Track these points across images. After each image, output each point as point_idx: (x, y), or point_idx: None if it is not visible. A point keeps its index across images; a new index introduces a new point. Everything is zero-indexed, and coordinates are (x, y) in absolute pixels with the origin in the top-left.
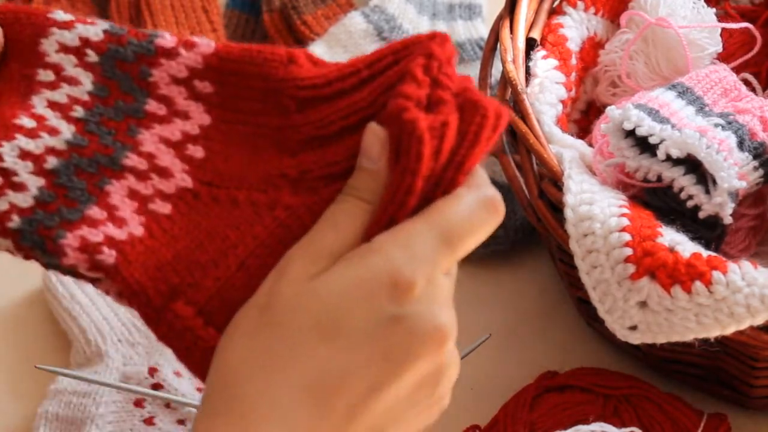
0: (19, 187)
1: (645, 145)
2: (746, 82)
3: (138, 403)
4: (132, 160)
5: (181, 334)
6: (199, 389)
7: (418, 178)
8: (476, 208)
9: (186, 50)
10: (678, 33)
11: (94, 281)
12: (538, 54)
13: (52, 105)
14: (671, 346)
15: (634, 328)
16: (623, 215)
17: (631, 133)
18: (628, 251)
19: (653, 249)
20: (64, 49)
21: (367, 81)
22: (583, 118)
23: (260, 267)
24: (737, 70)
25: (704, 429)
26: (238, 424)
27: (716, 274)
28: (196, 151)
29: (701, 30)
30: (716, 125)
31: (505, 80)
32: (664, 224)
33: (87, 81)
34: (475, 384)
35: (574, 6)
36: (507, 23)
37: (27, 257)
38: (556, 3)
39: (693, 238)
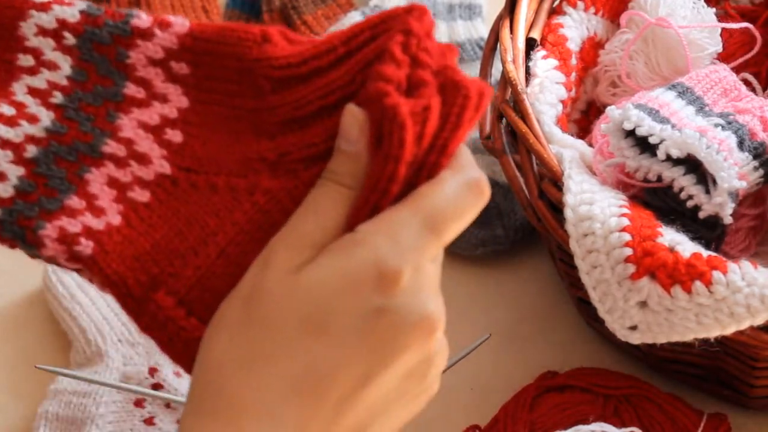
0: None
1: (645, 145)
2: (746, 82)
3: (138, 403)
4: (111, 146)
5: (164, 325)
6: None
7: (401, 164)
8: (461, 191)
9: (161, 30)
10: (678, 33)
11: (76, 271)
12: (538, 54)
13: (32, 91)
14: (671, 346)
15: (634, 328)
16: (623, 215)
17: (631, 133)
18: (628, 251)
19: (653, 249)
20: (43, 32)
21: (344, 58)
22: (583, 118)
23: (241, 254)
24: (737, 70)
25: (704, 429)
26: (225, 420)
27: (716, 274)
28: (175, 136)
29: (701, 30)
30: (716, 125)
31: (505, 80)
32: (664, 224)
33: (65, 65)
34: (475, 384)
35: (574, 6)
36: (507, 23)
37: (11, 247)
38: (556, 3)
39: (693, 238)
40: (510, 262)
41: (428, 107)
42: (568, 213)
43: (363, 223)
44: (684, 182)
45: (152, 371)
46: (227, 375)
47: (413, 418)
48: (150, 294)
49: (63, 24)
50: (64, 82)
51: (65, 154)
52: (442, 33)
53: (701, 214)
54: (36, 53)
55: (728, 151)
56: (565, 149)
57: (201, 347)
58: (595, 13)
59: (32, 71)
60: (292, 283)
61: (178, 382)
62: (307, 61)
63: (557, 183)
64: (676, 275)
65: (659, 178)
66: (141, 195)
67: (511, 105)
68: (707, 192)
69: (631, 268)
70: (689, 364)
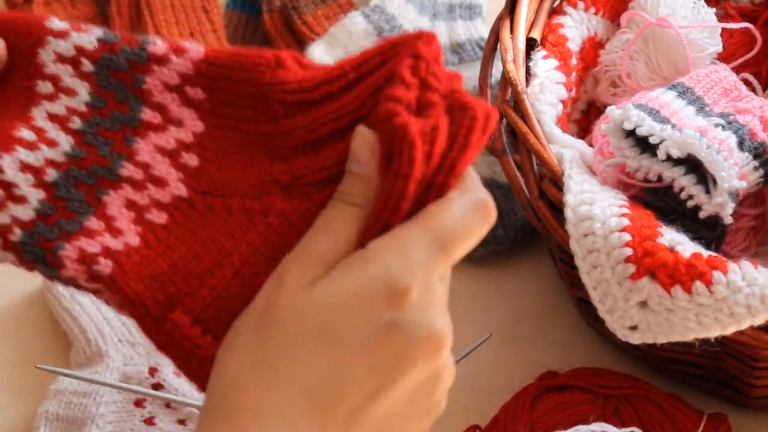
0: (20, 200)
1: (645, 145)
2: (746, 82)
3: (138, 403)
4: (128, 169)
5: (180, 343)
6: None
7: (410, 182)
8: (469, 211)
9: (176, 56)
10: (678, 33)
11: (94, 292)
12: (539, 54)
13: (52, 117)
14: (671, 346)
15: (634, 328)
16: (623, 215)
17: (631, 133)
18: (629, 251)
19: (653, 249)
20: (61, 59)
21: (355, 83)
22: (583, 118)
23: (255, 274)
24: (737, 70)
25: (704, 429)
26: (240, 431)
27: (716, 274)
28: (191, 159)
29: (701, 30)
30: (716, 125)
31: (506, 80)
32: (664, 224)
33: (83, 91)
34: (475, 384)
35: (575, 6)
36: (507, 23)
37: (30, 269)
38: (556, 3)
39: (693, 238)
40: (510, 262)
41: (437, 127)
42: (568, 213)
43: (374, 241)
44: (684, 182)
45: (152, 371)
46: (241, 387)
47: None
48: (167, 313)
49: (81, 51)
50: (83, 108)
51: (84, 178)
52: (442, 33)
53: (701, 214)
54: (54, 80)
55: (728, 151)
56: (565, 149)
57: (216, 362)
58: (596, 13)
59: (51, 97)
60: (304, 298)
61: (178, 382)
62: (320, 85)
63: (557, 183)
64: (676, 275)
65: (659, 178)
66: (158, 217)
67: (511, 105)
68: (707, 192)
69: (632, 268)
70: (689, 364)
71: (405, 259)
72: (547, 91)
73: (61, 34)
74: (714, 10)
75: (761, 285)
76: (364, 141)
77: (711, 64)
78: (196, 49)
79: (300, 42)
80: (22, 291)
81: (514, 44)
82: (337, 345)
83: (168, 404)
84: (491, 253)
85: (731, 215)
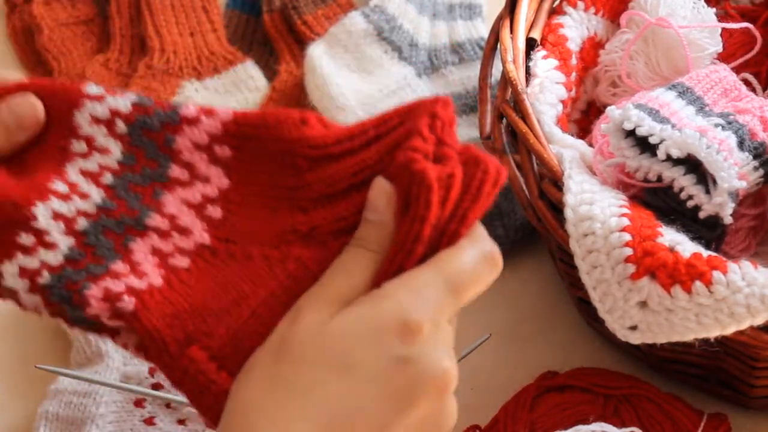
0: (51, 246)
1: (645, 145)
2: (746, 82)
3: (138, 403)
4: (155, 220)
5: (195, 378)
6: None
7: (426, 225)
8: (479, 260)
9: (207, 117)
10: (678, 33)
11: (113, 334)
12: (539, 54)
13: (84, 173)
14: (671, 346)
15: (634, 328)
16: (623, 215)
17: (631, 133)
18: (629, 251)
19: (653, 249)
20: (96, 120)
21: (374, 140)
22: (583, 118)
23: (271, 316)
24: (737, 70)
25: (704, 429)
26: None
27: (716, 274)
28: (215, 212)
29: (701, 30)
30: (716, 125)
31: (505, 80)
32: (664, 224)
33: (116, 150)
34: (475, 384)
35: (574, 6)
36: (507, 23)
37: (53, 314)
38: (556, 3)
39: (693, 238)
40: (510, 262)
41: (453, 175)
42: (568, 213)
43: (389, 281)
44: (684, 182)
45: (152, 371)
46: (255, 413)
47: None
48: (184, 350)
49: (116, 113)
50: (115, 166)
51: (113, 227)
52: (442, 33)
53: (701, 214)
54: (89, 140)
55: (728, 151)
56: (565, 149)
57: (231, 393)
58: (596, 13)
59: (85, 155)
60: (319, 332)
61: None
62: (342, 141)
63: (557, 183)
64: (676, 275)
65: (659, 178)
66: (181, 261)
67: (511, 105)
68: (707, 192)
69: (631, 268)
70: (689, 364)
71: (418, 297)
72: (546, 91)
73: (98, 98)
74: (714, 10)
75: (761, 285)
76: (381, 190)
77: (711, 64)
78: (225, 111)
79: (300, 42)
80: None
81: (514, 44)
82: (349, 376)
83: (168, 404)
84: None
85: (731, 215)
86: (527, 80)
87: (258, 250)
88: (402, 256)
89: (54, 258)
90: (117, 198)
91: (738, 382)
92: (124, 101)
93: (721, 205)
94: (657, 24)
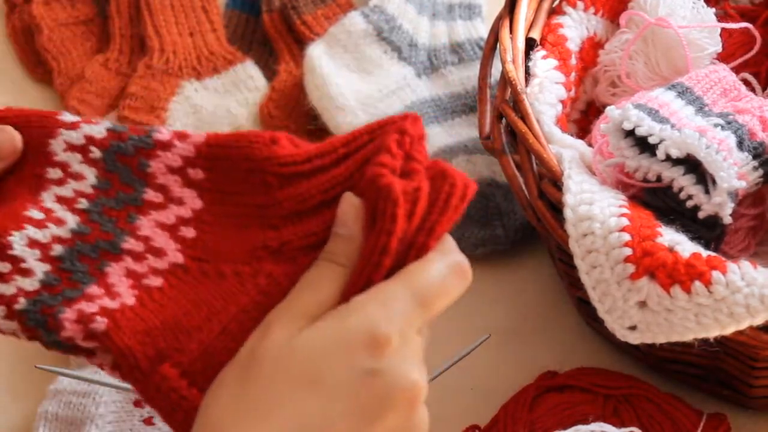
0: (27, 273)
1: (645, 145)
2: (746, 82)
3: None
4: (130, 243)
5: (167, 395)
6: None
7: (393, 238)
8: (447, 272)
9: (180, 141)
10: (678, 33)
11: (89, 355)
12: (538, 54)
13: (60, 199)
14: (671, 346)
15: (633, 328)
16: (623, 215)
17: (630, 133)
18: (628, 251)
19: (653, 249)
20: (71, 147)
21: (344, 158)
22: (582, 118)
23: (241, 331)
24: (737, 70)
25: (704, 429)
26: None
27: (716, 274)
28: (188, 232)
29: (701, 30)
30: (716, 125)
31: (505, 80)
32: (663, 224)
33: (91, 175)
34: (475, 384)
35: (574, 6)
36: (507, 23)
37: (30, 338)
38: (555, 3)
39: (692, 238)
40: (510, 262)
41: (419, 188)
42: (567, 213)
43: (357, 295)
44: (683, 182)
45: None
46: (224, 430)
47: None
48: (156, 368)
49: (90, 140)
50: (90, 191)
51: (88, 251)
52: (442, 33)
53: (701, 214)
54: (64, 166)
55: (728, 151)
56: (564, 149)
57: (200, 408)
58: (595, 13)
59: (60, 182)
60: (287, 347)
61: None
62: (312, 159)
63: (557, 183)
64: (675, 275)
65: (659, 178)
66: (154, 281)
67: (510, 105)
68: (707, 192)
69: (631, 268)
70: (689, 364)
71: (386, 311)
72: (546, 91)
73: (73, 126)
74: (713, 10)
75: (760, 285)
76: (350, 205)
77: (710, 64)
78: (198, 134)
79: (299, 42)
80: None
81: (513, 44)
82: (317, 390)
83: None
84: (491, 253)
85: (730, 215)
86: (527, 80)
87: (230, 267)
88: (370, 269)
89: (30, 284)
90: (91, 222)
91: (737, 382)
92: (98, 128)
93: (720, 205)
94: (656, 24)
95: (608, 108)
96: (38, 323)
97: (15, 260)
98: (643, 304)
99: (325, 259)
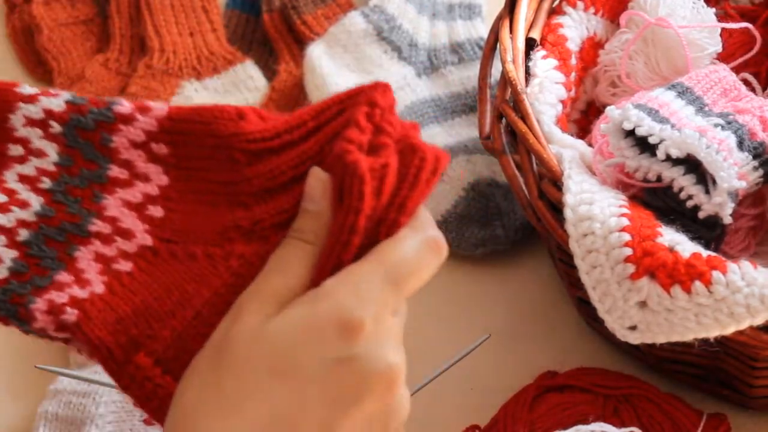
0: None
1: (645, 145)
2: (746, 82)
3: None
4: (97, 225)
5: (141, 384)
6: None
7: (360, 217)
8: (420, 248)
9: (142, 115)
10: (678, 33)
11: (66, 342)
12: (538, 54)
13: (22, 178)
14: (671, 346)
15: (633, 328)
16: (623, 215)
17: (630, 133)
18: (628, 251)
19: (653, 249)
20: (31, 122)
21: (314, 131)
22: (582, 118)
23: (215, 315)
24: (737, 70)
25: (704, 429)
26: None
27: (716, 274)
28: (156, 211)
29: (701, 30)
30: (716, 125)
31: (505, 80)
32: (663, 224)
33: (52, 152)
34: (475, 384)
35: (574, 6)
36: (507, 23)
37: (5, 324)
38: (555, 3)
39: (693, 238)
40: (510, 262)
41: (386, 165)
42: (567, 213)
43: (327, 279)
44: (684, 182)
45: None
46: (198, 419)
47: (411, 419)
48: (130, 356)
49: (49, 114)
50: (52, 168)
51: (55, 235)
52: (442, 33)
53: (701, 214)
54: (25, 142)
55: (728, 151)
56: (564, 149)
57: (174, 395)
58: (595, 13)
59: (22, 160)
60: (259, 333)
61: None
62: (280, 134)
63: (557, 183)
64: (675, 275)
65: (659, 178)
66: (124, 266)
67: (510, 105)
68: (707, 192)
69: (631, 268)
70: (689, 364)
71: (357, 295)
72: (546, 91)
73: (31, 99)
74: (713, 10)
75: (760, 285)
76: (317, 180)
77: (710, 64)
78: (159, 107)
79: (299, 42)
80: None
81: (513, 44)
82: (289, 378)
83: None
84: (491, 253)
85: (731, 215)
86: (527, 80)
87: (201, 248)
88: (339, 248)
89: None
90: (56, 203)
91: (737, 382)
92: (57, 100)
93: (720, 205)
94: (657, 24)
95: (608, 108)
96: (9, 313)
97: None
98: (643, 304)
99: (293, 237)
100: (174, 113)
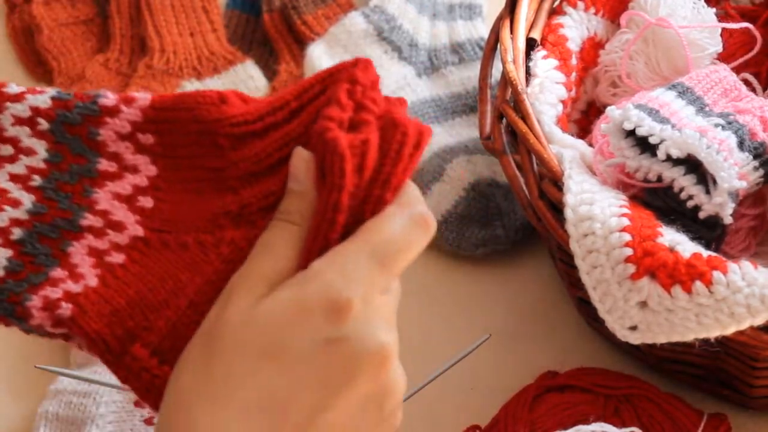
0: None
1: (645, 145)
2: (746, 82)
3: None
4: (89, 219)
5: (139, 375)
6: None
7: (343, 193)
8: (407, 225)
9: (126, 106)
10: (678, 33)
11: (63, 338)
12: (539, 54)
13: (13, 177)
14: (671, 346)
15: (634, 328)
16: (623, 215)
17: (631, 133)
18: (629, 251)
19: (653, 249)
20: (19, 121)
21: (297, 112)
22: (583, 118)
23: (208, 302)
24: (737, 70)
25: (704, 429)
26: None
27: (716, 274)
28: (146, 202)
29: (701, 30)
30: (716, 125)
31: (505, 80)
32: (664, 224)
33: (41, 149)
34: (475, 384)
35: (574, 6)
36: (507, 23)
37: (4, 324)
38: (556, 3)
39: (693, 238)
40: (510, 262)
41: (367, 141)
42: (568, 213)
43: (315, 261)
44: (684, 182)
45: None
46: (190, 404)
47: (412, 419)
48: (126, 348)
49: (36, 111)
50: (42, 165)
51: (48, 232)
52: (442, 33)
53: (701, 214)
54: (14, 142)
55: (728, 151)
56: (565, 149)
57: (168, 383)
58: (596, 13)
59: (12, 159)
60: (248, 316)
61: None
62: (263, 117)
63: (557, 183)
64: (676, 275)
65: (659, 178)
66: (117, 258)
67: (511, 105)
68: (707, 192)
69: (631, 268)
70: (689, 364)
71: (344, 275)
72: (546, 91)
73: (17, 98)
74: (714, 10)
75: (761, 285)
76: (300, 160)
77: (711, 64)
78: (143, 96)
79: (300, 42)
80: None
81: (514, 44)
82: (279, 360)
83: None
84: (491, 253)
85: (731, 215)
86: (527, 80)
87: (192, 237)
88: (325, 227)
89: None
90: (47, 200)
91: (738, 382)
92: (43, 97)
93: (721, 205)
94: (657, 24)
95: (609, 108)
96: (7, 312)
97: None
98: (643, 305)
99: (280, 219)
100: (157, 102)
